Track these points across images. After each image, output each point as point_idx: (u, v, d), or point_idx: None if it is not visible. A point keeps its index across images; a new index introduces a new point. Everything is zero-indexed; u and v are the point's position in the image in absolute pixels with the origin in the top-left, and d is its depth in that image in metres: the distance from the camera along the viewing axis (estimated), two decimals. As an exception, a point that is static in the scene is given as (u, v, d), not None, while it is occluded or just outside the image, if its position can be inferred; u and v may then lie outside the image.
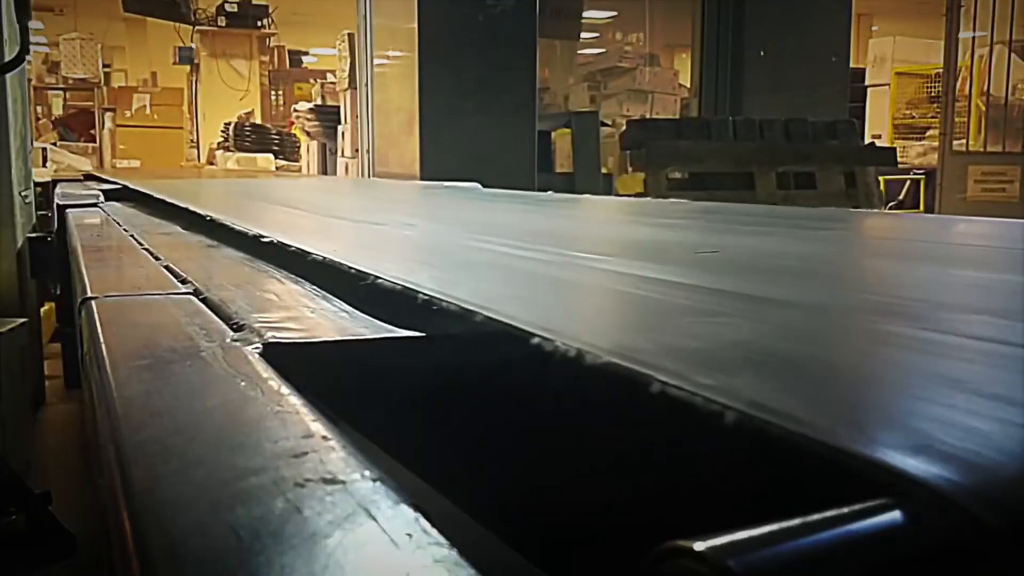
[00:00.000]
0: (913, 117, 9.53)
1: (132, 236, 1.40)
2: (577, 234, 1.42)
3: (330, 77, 7.39)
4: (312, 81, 8.63)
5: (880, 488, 0.28)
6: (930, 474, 0.28)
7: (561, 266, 0.85)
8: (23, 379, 2.83)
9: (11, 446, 2.38)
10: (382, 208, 2.14)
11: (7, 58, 2.69)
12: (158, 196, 2.00)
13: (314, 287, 0.81)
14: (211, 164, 8.20)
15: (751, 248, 1.05)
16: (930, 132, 8.73)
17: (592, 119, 5.08)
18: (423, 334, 0.58)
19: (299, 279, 0.86)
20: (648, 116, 6.95)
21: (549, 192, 2.86)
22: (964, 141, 6.32)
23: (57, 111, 10.40)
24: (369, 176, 4.94)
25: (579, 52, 7.87)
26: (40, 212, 3.46)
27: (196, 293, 0.79)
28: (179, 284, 0.87)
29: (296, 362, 0.53)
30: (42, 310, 3.53)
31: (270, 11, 9.45)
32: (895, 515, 0.27)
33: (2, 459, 1.74)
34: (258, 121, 8.75)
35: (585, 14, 6.71)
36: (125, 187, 2.71)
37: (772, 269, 0.85)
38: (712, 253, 0.93)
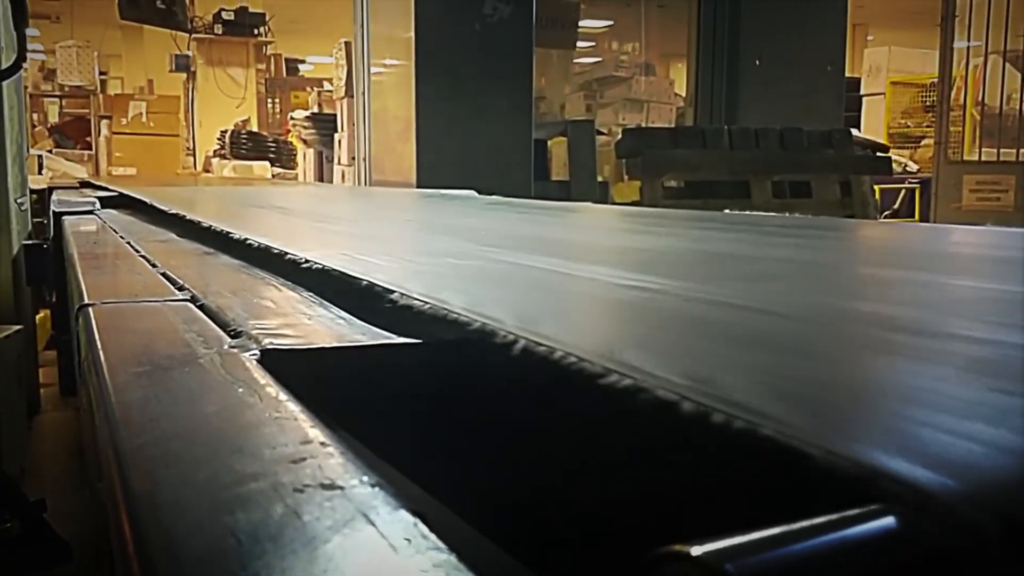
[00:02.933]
0: (908, 126, 9.57)
1: (128, 243, 1.40)
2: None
3: (327, 85, 7.41)
4: (309, 89, 8.65)
5: (875, 493, 0.28)
6: (925, 478, 0.28)
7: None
8: (18, 386, 2.82)
9: (6, 453, 2.38)
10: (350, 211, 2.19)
11: (3, 65, 2.69)
12: (154, 203, 2.00)
13: (311, 294, 0.81)
14: (207, 172, 8.20)
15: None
16: (925, 141, 8.77)
17: (588, 127, 5.10)
18: (420, 341, 0.58)
19: (296, 286, 0.86)
20: (644, 125, 6.97)
21: (505, 199, 2.85)
22: (959, 150, 6.35)
23: (53, 118, 10.41)
24: (366, 184, 4.95)
25: (575, 61, 7.89)
26: (36, 219, 3.46)
27: (193, 300, 0.79)
28: (176, 291, 0.87)
29: (294, 368, 0.53)
30: (37, 317, 3.52)
31: (267, 19, 9.48)
32: (890, 520, 0.27)
33: (-3, 466, 1.73)
34: (254, 129, 8.77)
35: (581, 24, 6.73)
36: (121, 194, 2.71)
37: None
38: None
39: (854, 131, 8.23)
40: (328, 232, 1.60)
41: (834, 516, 0.27)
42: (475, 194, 2.95)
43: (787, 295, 0.72)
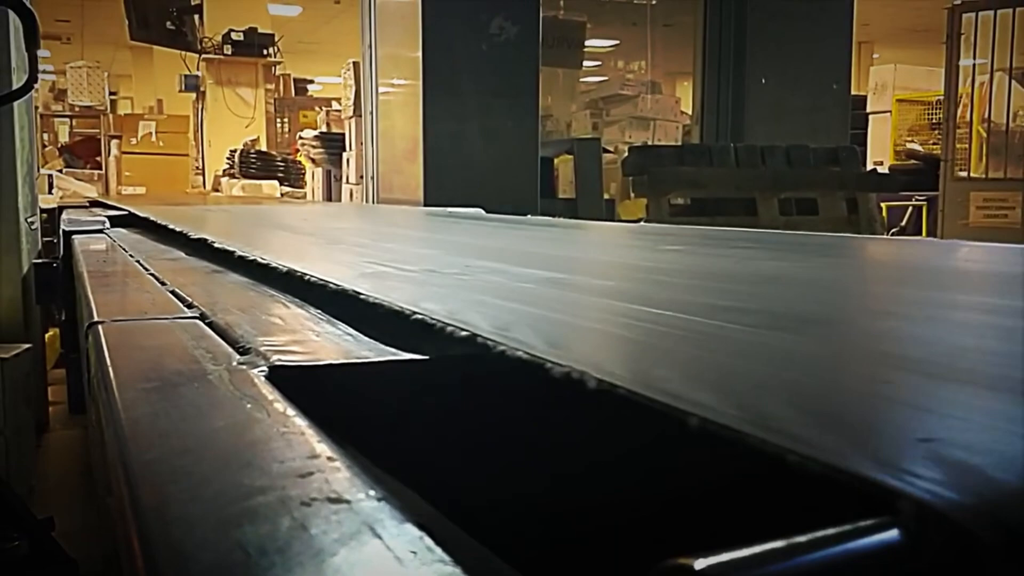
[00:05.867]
0: (914, 144, 9.57)
1: (138, 261, 1.41)
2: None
3: (335, 105, 7.45)
4: (317, 109, 8.70)
5: (879, 506, 0.28)
6: (927, 492, 0.28)
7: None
8: (27, 404, 2.83)
9: (14, 471, 2.38)
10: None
11: (15, 86, 2.72)
12: (163, 222, 2.01)
13: (318, 311, 0.82)
14: (216, 191, 8.24)
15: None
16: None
17: (594, 145, 5.11)
18: (426, 357, 0.59)
19: (304, 303, 0.86)
20: (650, 143, 6.99)
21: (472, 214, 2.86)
22: (966, 167, 6.34)
23: (63, 138, 10.49)
24: (374, 202, 4.97)
25: (581, 80, 7.92)
26: (46, 238, 3.49)
27: (202, 317, 0.80)
28: (185, 308, 0.87)
29: (301, 384, 0.54)
30: (46, 336, 3.53)
31: (276, 40, 9.54)
32: (894, 533, 0.28)
33: (5, 485, 1.74)
34: (263, 148, 8.81)
35: (587, 43, 6.77)
36: (130, 213, 2.72)
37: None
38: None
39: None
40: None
41: (838, 529, 0.27)
42: (482, 212, 2.96)
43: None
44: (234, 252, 1.21)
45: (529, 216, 2.96)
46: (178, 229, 1.77)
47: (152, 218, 2.23)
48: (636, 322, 0.63)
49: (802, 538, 0.27)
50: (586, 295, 0.88)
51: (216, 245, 1.35)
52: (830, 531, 0.28)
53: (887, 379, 0.46)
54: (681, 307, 0.70)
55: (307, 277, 0.89)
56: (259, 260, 1.08)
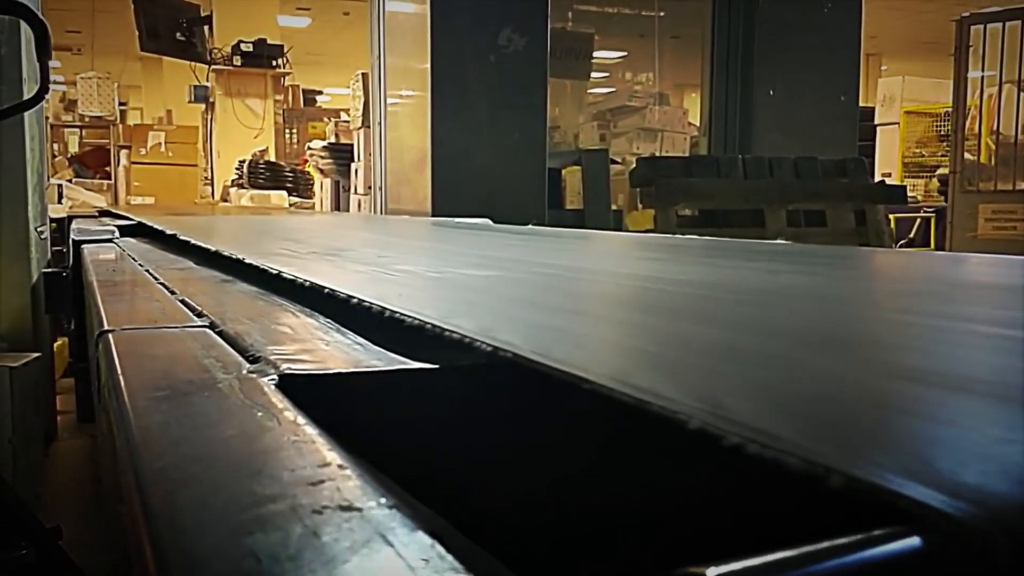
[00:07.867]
0: (923, 155, 9.57)
1: (147, 271, 1.41)
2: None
3: (344, 116, 7.48)
4: (326, 120, 8.74)
5: (894, 515, 0.28)
6: (944, 501, 0.28)
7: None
8: (35, 413, 2.84)
9: (22, 479, 2.39)
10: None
11: (26, 96, 2.74)
12: (172, 232, 2.02)
13: (328, 320, 0.82)
14: (225, 201, 8.27)
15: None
16: (939, 171, 8.76)
17: (602, 156, 5.12)
18: (435, 366, 0.59)
19: (313, 312, 0.87)
20: (658, 154, 6.99)
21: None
22: (975, 179, 6.33)
23: (73, 148, 10.56)
24: (382, 212, 4.98)
25: (589, 91, 7.94)
26: (55, 248, 3.50)
27: (212, 326, 0.80)
28: (195, 317, 0.87)
29: (311, 393, 0.54)
30: (55, 345, 3.55)
31: (285, 51, 9.60)
32: (909, 542, 0.27)
33: (13, 492, 1.74)
34: (272, 159, 8.85)
35: (595, 54, 6.79)
36: (140, 223, 2.73)
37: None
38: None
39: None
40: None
41: (852, 538, 0.27)
42: (489, 222, 2.97)
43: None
44: (243, 261, 1.22)
45: (532, 226, 2.97)
46: (187, 239, 1.78)
47: (161, 228, 2.24)
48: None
49: (816, 547, 0.27)
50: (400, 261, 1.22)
51: (225, 254, 1.35)
52: (844, 540, 0.27)
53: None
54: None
55: (316, 286, 0.89)
56: (268, 270, 1.08)
